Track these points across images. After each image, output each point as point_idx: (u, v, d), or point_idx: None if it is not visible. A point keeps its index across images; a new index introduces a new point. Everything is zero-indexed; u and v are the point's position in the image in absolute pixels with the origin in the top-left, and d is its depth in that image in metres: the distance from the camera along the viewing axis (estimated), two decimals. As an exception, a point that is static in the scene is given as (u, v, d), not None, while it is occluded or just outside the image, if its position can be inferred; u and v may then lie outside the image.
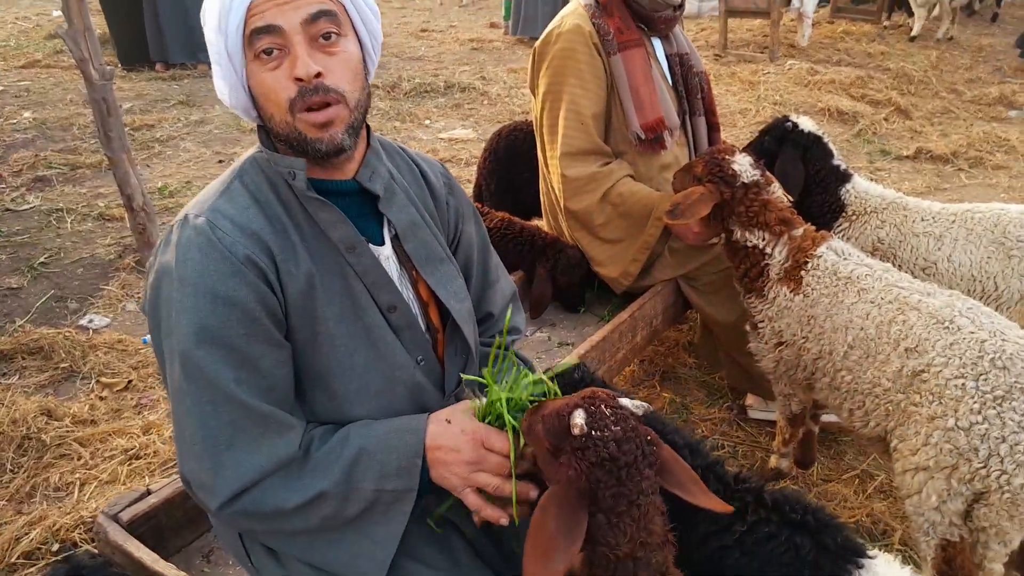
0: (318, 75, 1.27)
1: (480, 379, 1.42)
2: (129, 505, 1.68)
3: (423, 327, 1.50)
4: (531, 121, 3.48)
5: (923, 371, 1.93)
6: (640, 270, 2.72)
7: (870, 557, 1.31)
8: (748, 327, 2.48)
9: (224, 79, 1.33)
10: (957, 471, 1.84)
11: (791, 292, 2.27)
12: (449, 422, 1.35)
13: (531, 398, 1.35)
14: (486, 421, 1.35)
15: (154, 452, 2.94)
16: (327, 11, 1.29)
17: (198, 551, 1.82)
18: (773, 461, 2.65)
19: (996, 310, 2.50)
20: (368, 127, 1.47)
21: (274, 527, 1.33)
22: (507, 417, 1.31)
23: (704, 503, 1.23)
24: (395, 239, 1.49)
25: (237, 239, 1.29)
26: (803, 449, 2.68)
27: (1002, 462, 1.78)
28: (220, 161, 6.21)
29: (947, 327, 1.93)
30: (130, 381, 3.44)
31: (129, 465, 2.88)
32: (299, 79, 1.26)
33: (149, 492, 1.74)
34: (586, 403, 1.20)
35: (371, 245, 1.44)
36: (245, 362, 1.27)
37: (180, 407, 1.28)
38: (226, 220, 1.30)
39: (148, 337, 3.73)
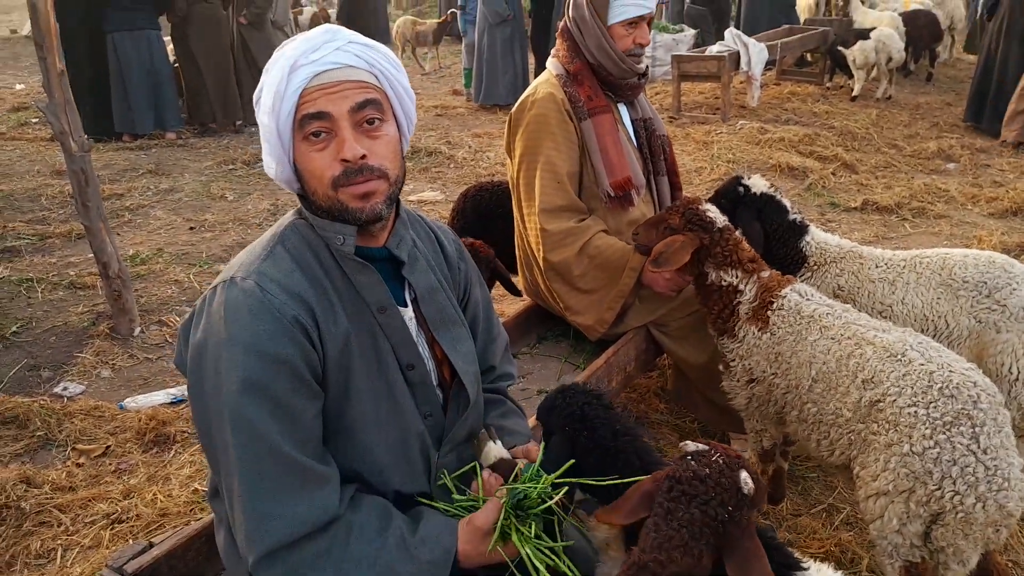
0: (363, 157, 1.40)
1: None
2: (133, 558, 1.72)
3: (435, 383, 1.61)
4: (495, 181, 3.66)
5: (879, 400, 2.08)
6: (614, 318, 2.86)
7: (804, 568, 1.43)
8: (721, 367, 2.62)
9: (272, 155, 1.45)
10: (915, 494, 1.98)
11: (759, 331, 2.43)
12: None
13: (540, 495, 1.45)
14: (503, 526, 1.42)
15: (136, 515, 2.95)
16: (372, 100, 1.43)
17: (200, 603, 1.85)
18: (746, 498, 2.77)
19: (948, 346, 2.70)
20: (398, 200, 1.59)
21: None
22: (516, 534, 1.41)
23: None
24: (415, 302, 1.61)
25: (286, 301, 1.38)
26: (773, 485, 2.80)
27: (954, 483, 1.92)
28: (191, 228, 6.28)
29: (900, 360, 2.09)
30: (108, 447, 3.44)
31: (112, 529, 2.88)
32: (346, 160, 1.39)
33: (152, 544, 1.78)
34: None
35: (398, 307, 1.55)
36: (288, 416, 1.36)
37: (227, 461, 1.35)
38: (273, 283, 1.40)
39: (124, 403, 3.75)
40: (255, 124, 5.88)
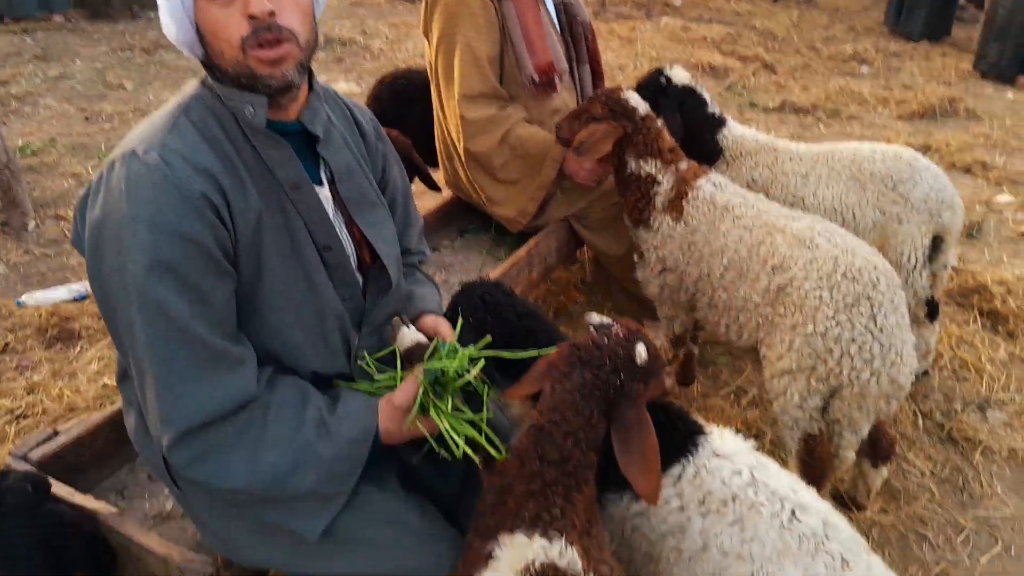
0: (271, 13, 1.28)
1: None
2: (37, 445, 1.66)
3: (354, 267, 1.56)
4: (416, 68, 3.51)
5: (787, 285, 2.16)
6: (536, 210, 2.84)
7: (706, 432, 1.52)
8: (635, 257, 2.66)
9: (171, 15, 1.32)
10: (815, 371, 2.09)
11: (674, 221, 2.47)
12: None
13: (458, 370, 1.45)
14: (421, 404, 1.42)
15: (42, 410, 2.85)
16: None
17: (111, 488, 1.81)
18: (659, 382, 2.89)
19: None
20: (311, 71, 1.48)
21: (219, 479, 1.33)
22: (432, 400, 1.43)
23: (635, 478, 1.32)
24: (331, 182, 1.54)
25: (192, 176, 1.29)
26: (684, 369, 2.91)
27: (852, 360, 2.04)
28: (86, 118, 5.85)
29: (807, 246, 2.16)
30: (7, 343, 3.28)
31: (16, 424, 2.77)
32: (253, 16, 1.27)
33: (56, 433, 1.72)
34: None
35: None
36: (199, 297, 1.29)
37: (135, 343, 1.28)
38: (178, 157, 1.30)
39: (22, 299, 3.55)
40: (155, 9, 5.51)
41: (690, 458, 1.44)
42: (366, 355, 1.55)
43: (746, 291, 2.28)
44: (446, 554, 1.45)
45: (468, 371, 1.43)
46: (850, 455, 2.22)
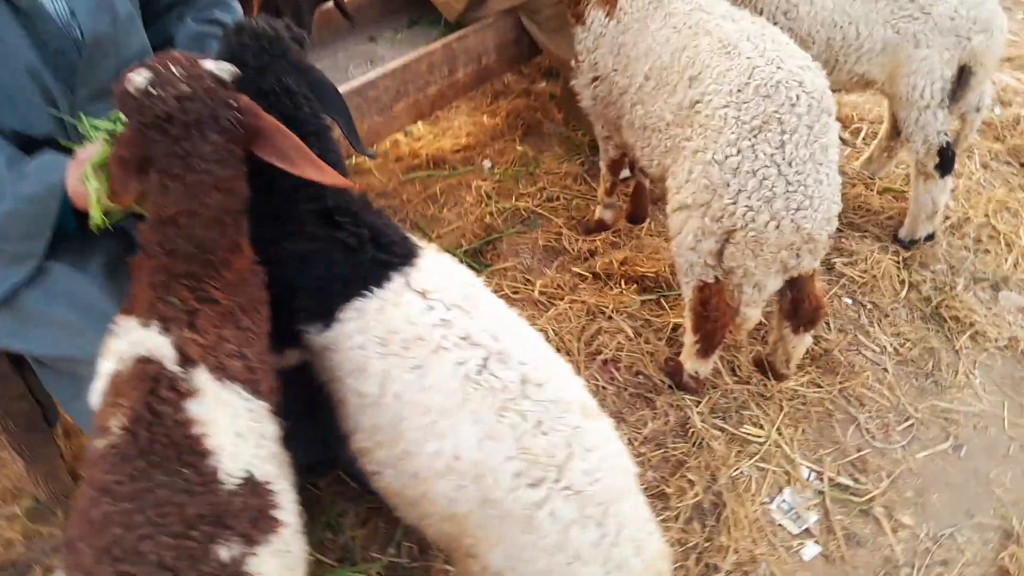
0: None
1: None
2: None
3: (62, 18, 1.33)
4: None
5: (699, 101, 1.76)
6: None
7: (414, 260, 1.25)
8: (572, 63, 2.27)
9: None
10: (710, 208, 1.74)
11: (606, 16, 2.06)
12: None
13: None
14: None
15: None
16: None
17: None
18: (597, 212, 2.56)
19: (856, 61, 2.28)
20: None
21: None
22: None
23: (312, 175, 1.13)
24: None
25: None
26: (634, 204, 2.57)
27: (749, 198, 1.67)
28: None
29: (728, 52, 1.74)
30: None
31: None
32: None
33: None
34: (154, 64, 1.09)
35: None
36: None
37: None
38: None
39: None
40: None
41: (374, 291, 1.20)
42: (83, 117, 1.36)
43: (660, 106, 1.89)
44: None
45: None
46: (752, 313, 1.89)
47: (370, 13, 2.76)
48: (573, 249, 2.53)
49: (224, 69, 1.12)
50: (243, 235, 1.16)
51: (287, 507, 1.06)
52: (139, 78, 1.07)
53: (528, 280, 2.41)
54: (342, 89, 2.11)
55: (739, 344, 2.22)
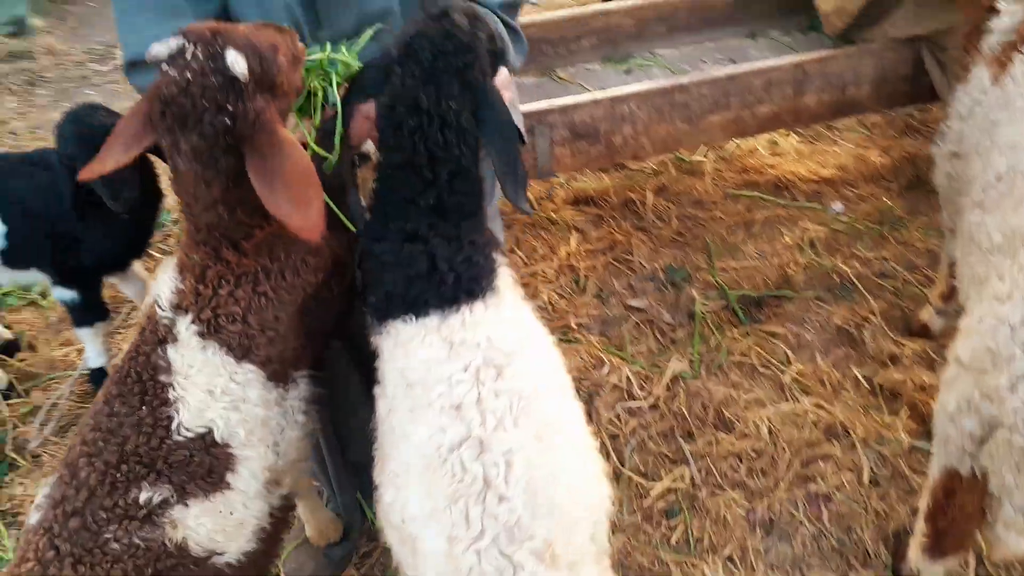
0: None
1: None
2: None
3: None
4: None
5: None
6: (858, 10, 1.98)
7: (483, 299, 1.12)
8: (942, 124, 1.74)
9: None
10: (983, 380, 1.22)
11: (991, 81, 1.52)
12: None
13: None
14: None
15: None
16: None
17: None
18: (924, 313, 1.99)
19: None
20: None
21: None
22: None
23: (281, 212, 1.02)
24: None
25: None
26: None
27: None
28: None
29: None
30: None
31: None
32: None
33: None
34: (183, 38, 1.04)
35: None
36: None
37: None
38: None
39: None
40: None
41: (414, 319, 1.10)
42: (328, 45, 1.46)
43: (996, 220, 1.37)
44: None
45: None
46: (1009, 539, 1.32)
47: (763, 4, 2.45)
48: (872, 346, 2.02)
49: (239, 65, 1.02)
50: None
51: (245, 473, 1.09)
52: (161, 49, 1.04)
53: (788, 360, 2.00)
54: (625, 90, 1.95)
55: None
